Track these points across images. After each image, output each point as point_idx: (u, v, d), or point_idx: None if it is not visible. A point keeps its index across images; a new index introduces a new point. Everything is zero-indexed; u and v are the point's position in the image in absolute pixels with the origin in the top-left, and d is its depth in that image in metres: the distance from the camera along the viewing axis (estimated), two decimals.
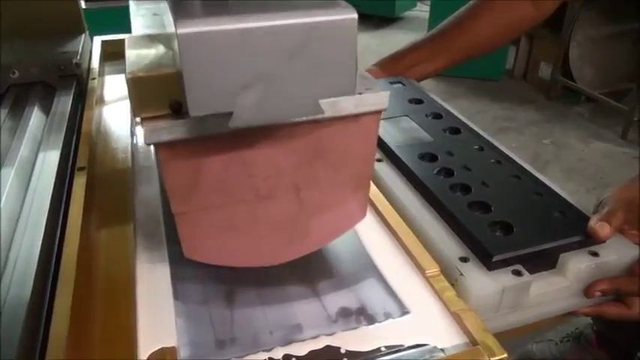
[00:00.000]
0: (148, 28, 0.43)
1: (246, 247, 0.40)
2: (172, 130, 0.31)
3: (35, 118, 0.69)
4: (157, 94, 0.31)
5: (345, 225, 0.43)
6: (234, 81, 0.26)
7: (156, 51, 0.33)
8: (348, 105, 0.35)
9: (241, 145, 0.34)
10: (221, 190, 0.36)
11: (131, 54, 0.33)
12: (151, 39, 0.36)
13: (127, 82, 0.31)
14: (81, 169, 0.55)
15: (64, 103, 0.73)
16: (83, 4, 1.69)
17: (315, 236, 0.42)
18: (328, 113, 0.34)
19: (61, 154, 0.60)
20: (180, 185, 0.34)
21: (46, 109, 0.72)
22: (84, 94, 0.76)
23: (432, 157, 0.67)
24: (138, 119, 0.32)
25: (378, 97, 0.36)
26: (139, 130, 0.70)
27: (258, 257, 0.41)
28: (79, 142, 0.61)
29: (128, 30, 0.97)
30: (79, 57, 0.81)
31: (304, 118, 0.33)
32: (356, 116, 0.36)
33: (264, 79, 0.27)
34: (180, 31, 0.25)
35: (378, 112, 0.37)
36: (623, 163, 2.13)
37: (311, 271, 0.46)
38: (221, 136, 0.33)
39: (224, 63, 0.26)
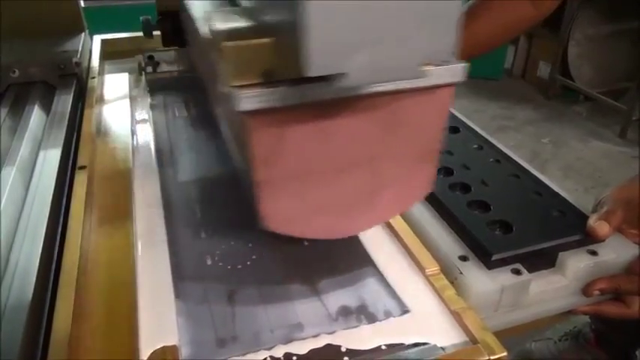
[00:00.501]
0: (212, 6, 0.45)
1: (318, 219, 0.40)
2: (264, 98, 0.32)
3: (35, 117, 0.69)
4: (250, 63, 0.32)
5: (411, 199, 0.43)
6: (350, 42, 0.27)
7: (239, 23, 0.34)
8: (430, 75, 0.34)
9: (324, 115, 0.35)
10: (301, 160, 0.36)
11: (215, 25, 0.34)
12: (226, 13, 0.37)
13: (222, 51, 0.31)
14: (82, 168, 0.55)
15: (64, 102, 0.73)
16: (82, 3, 1.69)
17: (383, 209, 0.42)
18: (409, 84, 0.34)
19: (62, 153, 0.60)
20: (264, 153, 0.35)
21: (46, 109, 0.72)
22: (84, 93, 0.76)
23: None
24: (228, 88, 0.32)
25: (454, 70, 0.35)
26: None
27: (329, 229, 0.42)
28: (80, 141, 0.61)
29: (127, 28, 0.98)
30: (78, 56, 0.81)
31: (386, 88, 0.34)
32: (433, 88, 0.36)
33: (375, 40, 0.27)
34: None
35: (453, 84, 0.37)
36: (621, 162, 2.14)
37: (311, 270, 0.46)
38: (307, 106, 0.33)
39: (343, 24, 0.26)
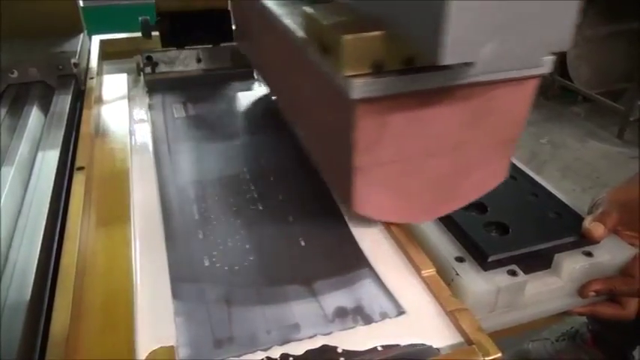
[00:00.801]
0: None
1: (405, 204, 0.42)
2: (375, 87, 0.34)
3: (34, 117, 0.69)
4: (363, 54, 0.34)
5: (488, 184, 0.45)
6: (483, 31, 0.28)
7: (346, 18, 0.36)
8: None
9: (423, 104, 0.37)
10: (397, 147, 0.38)
11: (324, 19, 0.36)
12: (327, 8, 0.39)
13: (340, 42, 0.33)
14: (80, 168, 0.55)
15: (63, 102, 0.73)
16: (81, 3, 1.69)
17: (463, 194, 0.44)
18: (504, 75, 0.35)
19: (60, 153, 0.60)
20: (366, 140, 0.37)
21: (45, 109, 0.72)
22: (82, 94, 0.76)
23: None
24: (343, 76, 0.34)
25: (544, 62, 0.36)
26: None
27: (414, 214, 0.44)
28: (78, 142, 0.61)
29: (126, 28, 0.98)
30: (77, 57, 0.81)
31: (484, 79, 0.35)
32: (524, 79, 0.37)
33: (505, 29, 0.28)
34: None
35: (538, 76, 0.38)
36: (619, 163, 2.14)
37: (308, 271, 0.47)
38: (408, 96, 0.35)
39: (478, 15, 0.27)
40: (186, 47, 0.88)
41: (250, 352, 0.39)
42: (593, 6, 2.41)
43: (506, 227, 0.54)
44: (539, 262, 0.53)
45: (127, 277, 0.45)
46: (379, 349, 0.39)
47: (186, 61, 0.88)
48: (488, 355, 0.37)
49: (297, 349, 0.39)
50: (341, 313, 0.42)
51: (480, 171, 0.43)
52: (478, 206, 0.57)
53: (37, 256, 0.45)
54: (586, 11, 2.40)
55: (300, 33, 0.42)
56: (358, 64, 0.34)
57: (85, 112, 0.69)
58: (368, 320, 0.42)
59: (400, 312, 0.42)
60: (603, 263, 0.53)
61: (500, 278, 0.49)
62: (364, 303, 0.43)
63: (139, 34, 0.88)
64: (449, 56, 0.28)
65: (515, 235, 0.53)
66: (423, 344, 0.39)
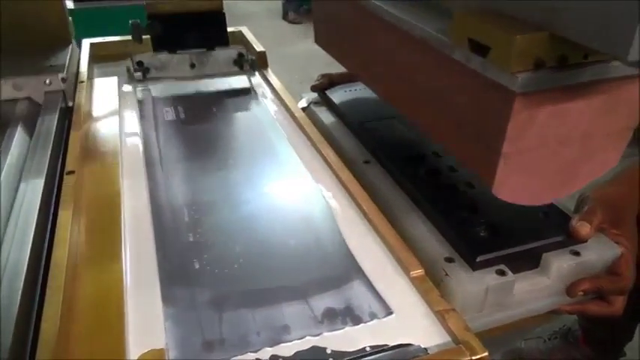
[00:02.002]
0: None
1: (537, 186, 0.46)
2: (535, 82, 0.38)
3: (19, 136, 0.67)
4: (530, 52, 0.37)
5: (602, 168, 0.48)
6: None
7: (507, 21, 0.40)
8: None
9: (567, 97, 0.40)
10: (538, 136, 0.42)
11: (483, 20, 0.40)
12: (483, 14, 0.42)
13: (511, 42, 0.37)
14: (70, 172, 0.55)
15: (50, 121, 0.70)
16: (72, 5, 1.68)
17: (580, 177, 0.47)
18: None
19: (50, 158, 0.60)
20: (516, 130, 0.41)
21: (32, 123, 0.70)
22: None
23: (419, 158, 0.68)
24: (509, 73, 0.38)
25: None
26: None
27: (543, 195, 0.48)
28: (68, 145, 0.61)
29: (117, 31, 0.97)
30: (65, 72, 0.79)
31: (625, 74, 0.39)
32: None
33: None
34: None
35: None
36: None
37: (297, 273, 0.47)
38: (557, 90, 0.39)
39: None
40: (178, 52, 0.87)
41: (240, 354, 0.39)
42: None
43: (494, 227, 0.55)
44: (527, 262, 0.54)
45: (117, 280, 0.45)
46: (368, 349, 0.39)
47: (179, 66, 0.87)
48: (475, 354, 0.38)
49: (287, 350, 0.39)
50: (330, 315, 0.42)
51: (599, 156, 0.47)
52: (468, 206, 0.58)
53: (27, 260, 0.45)
54: None
55: (429, 30, 0.47)
56: (523, 61, 0.38)
57: (75, 115, 0.68)
58: (357, 321, 0.42)
59: (389, 312, 0.43)
60: (591, 262, 0.53)
61: (488, 278, 0.50)
62: (353, 304, 0.44)
63: (129, 37, 0.88)
64: (632, 55, 0.31)
65: (504, 235, 0.53)
66: (411, 344, 0.40)
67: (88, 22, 1.46)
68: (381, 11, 0.57)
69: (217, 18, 0.87)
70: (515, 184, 0.45)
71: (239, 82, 0.88)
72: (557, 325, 1.18)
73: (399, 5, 0.55)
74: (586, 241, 0.54)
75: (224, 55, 0.89)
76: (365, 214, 0.54)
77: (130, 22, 0.85)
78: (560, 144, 0.44)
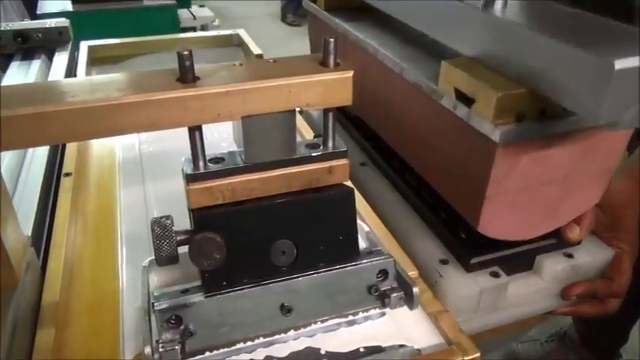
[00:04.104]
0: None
1: (520, 224, 0.48)
2: (516, 134, 0.40)
3: None
4: (510, 107, 0.40)
5: (582, 207, 0.51)
6: (629, 101, 0.34)
7: (491, 75, 0.42)
8: None
9: (547, 144, 0.43)
10: (519, 180, 0.44)
11: (469, 72, 0.42)
12: (461, 61, 0.45)
13: (493, 96, 0.39)
14: (67, 174, 0.56)
15: None
16: (71, 7, 1.69)
17: (563, 214, 0.50)
18: None
19: (48, 159, 0.61)
20: (498, 175, 0.43)
21: None
22: None
23: None
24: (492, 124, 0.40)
25: None
26: None
27: (526, 231, 0.49)
28: (65, 148, 0.62)
29: (115, 34, 0.98)
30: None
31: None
32: None
33: None
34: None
35: None
36: None
37: None
38: (535, 140, 0.42)
39: (628, 86, 0.33)
40: None
41: (235, 354, 0.39)
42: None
43: None
44: (521, 264, 0.54)
45: (113, 283, 0.45)
46: (362, 350, 0.40)
47: None
48: (467, 354, 0.38)
49: (281, 351, 0.40)
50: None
51: (580, 195, 0.49)
52: None
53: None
54: None
55: (423, 80, 0.50)
56: (505, 115, 0.40)
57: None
58: (351, 322, 0.42)
59: (382, 314, 0.43)
60: (583, 264, 0.54)
61: (482, 280, 0.50)
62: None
63: (127, 40, 0.88)
64: (602, 117, 0.33)
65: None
66: (404, 345, 0.40)
67: (87, 25, 1.46)
68: (375, 50, 0.58)
69: None
70: (499, 222, 0.47)
71: None
72: (553, 327, 1.19)
73: (393, 42, 0.57)
74: (579, 244, 0.55)
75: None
76: (360, 217, 0.54)
77: None
78: (542, 185, 0.46)
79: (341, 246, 0.40)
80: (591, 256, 0.54)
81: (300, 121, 0.74)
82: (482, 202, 0.45)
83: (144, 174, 0.62)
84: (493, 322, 0.53)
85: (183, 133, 0.34)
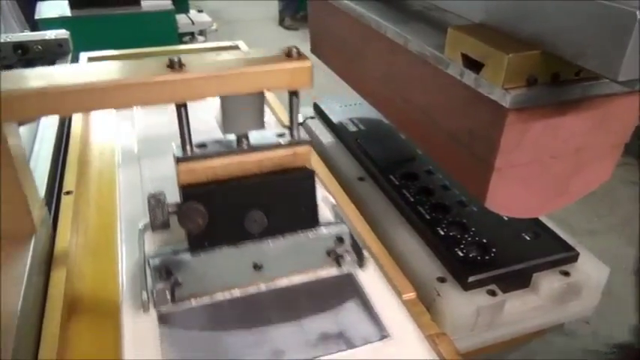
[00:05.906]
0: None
1: (529, 200, 0.47)
2: (528, 99, 0.39)
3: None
4: (522, 70, 0.38)
5: (594, 183, 0.49)
6: None
7: (501, 37, 0.40)
8: None
9: (560, 113, 0.41)
10: (530, 151, 0.43)
11: (476, 37, 0.41)
12: (470, 27, 0.43)
13: (505, 59, 0.38)
14: (68, 193, 0.56)
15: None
16: (69, 12, 1.69)
17: (573, 191, 0.48)
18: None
19: (49, 177, 0.61)
20: (509, 145, 0.42)
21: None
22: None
23: (412, 176, 0.68)
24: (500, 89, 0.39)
25: None
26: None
27: (535, 208, 0.49)
28: (66, 166, 0.62)
29: (113, 38, 0.98)
30: None
31: (615, 90, 0.40)
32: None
33: None
34: None
35: None
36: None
37: (293, 296, 0.48)
38: (550, 105, 0.40)
39: None
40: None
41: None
42: None
43: (486, 247, 0.55)
44: (518, 282, 0.55)
45: (114, 297, 0.46)
46: None
47: None
48: None
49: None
50: (324, 338, 0.43)
51: (590, 171, 0.47)
52: (459, 226, 0.59)
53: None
54: None
55: (428, 49, 0.48)
56: (516, 78, 0.39)
57: (72, 129, 0.69)
58: (351, 345, 0.43)
59: (382, 336, 0.43)
60: (580, 282, 0.54)
61: (480, 298, 0.51)
62: (347, 327, 0.44)
63: (126, 51, 0.88)
64: (622, 74, 0.32)
65: (495, 255, 0.54)
66: None
67: (86, 30, 1.46)
68: (378, 25, 0.58)
69: None
70: (508, 197, 0.46)
71: None
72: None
73: (396, 18, 0.56)
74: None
75: None
76: (358, 236, 0.55)
77: None
78: (553, 158, 0.45)
79: (303, 216, 0.47)
80: (587, 274, 0.55)
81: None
82: (490, 175, 0.43)
83: (143, 185, 0.62)
84: (490, 340, 0.54)
85: None
